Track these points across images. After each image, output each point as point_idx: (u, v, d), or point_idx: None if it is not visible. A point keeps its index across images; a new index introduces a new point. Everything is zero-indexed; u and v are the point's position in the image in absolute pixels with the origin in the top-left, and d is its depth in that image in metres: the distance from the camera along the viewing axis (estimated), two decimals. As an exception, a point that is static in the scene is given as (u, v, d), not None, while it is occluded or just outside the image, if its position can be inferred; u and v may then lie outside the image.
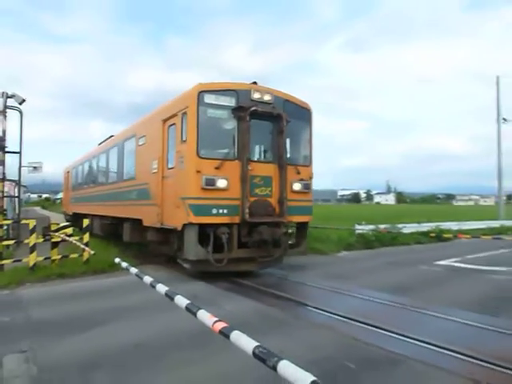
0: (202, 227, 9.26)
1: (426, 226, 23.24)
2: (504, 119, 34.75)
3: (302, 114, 11.07)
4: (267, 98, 10.08)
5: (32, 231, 11.04)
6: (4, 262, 11.12)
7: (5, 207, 17.87)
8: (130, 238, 13.52)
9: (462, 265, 13.40)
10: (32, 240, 10.96)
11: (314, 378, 2.43)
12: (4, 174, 17.27)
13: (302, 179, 10.68)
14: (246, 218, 9.41)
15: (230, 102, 9.70)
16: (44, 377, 4.63)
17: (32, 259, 10.85)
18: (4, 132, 16.98)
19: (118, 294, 8.72)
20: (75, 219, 23.29)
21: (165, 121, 10.95)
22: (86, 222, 12.53)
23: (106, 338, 5.95)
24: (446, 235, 20.15)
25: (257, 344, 3.00)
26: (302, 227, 11.23)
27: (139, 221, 12.31)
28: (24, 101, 17.35)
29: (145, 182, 12.07)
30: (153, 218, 11.13)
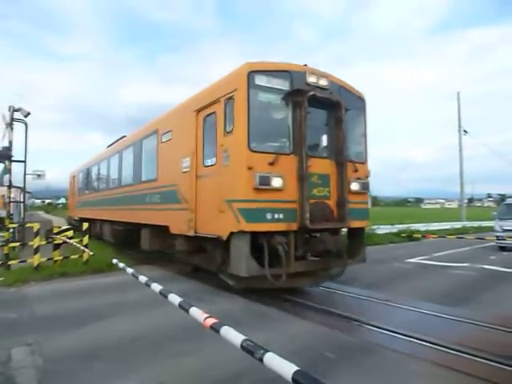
0: (254, 236, 7.13)
1: (398, 227, 23.46)
2: (465, 131, 35.34)
3: (356, 103, 8.86)
4: (323, 82, 8.01)
5: (36, 234, 10.93)
6: (11, 262, 11.02)
7: (11, 212, 17.70)
8: (150, 246, 11.56)
9: (430, 262, 13.57)
10: (36, 242, 10.84)
11: (297, 369, 2.46)
12: (11, 181, 17.14)
13: (359, 178, 8.49)
14: (306, 224, 7.23)
15: (284, 85, 7.61)
16: (49, 367, 4.60)
17: (36, 260, 10.74)
18: (11, 142, 16.87)
19: (115, 292, 8.63)
20: (82, 224, 21.41)
21: (199, 111, 8.75)
22: (85, 225, 12.42)
23: (104, 332, 5.90)
24: (415, 235, 20.36)
25: (244, 338, 3.01)
26: (358, 233, 8.86)
27: (161, 227, 10.39)
28: (29, 114, 17.25)
29: (171, 183, 9.86)
30: (183, 224, 8.96)
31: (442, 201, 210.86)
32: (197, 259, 9.55)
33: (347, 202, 7.94)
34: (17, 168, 18.47)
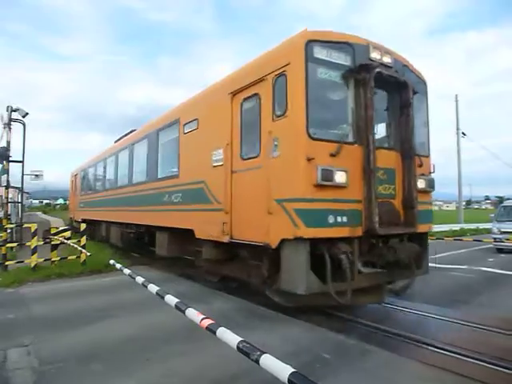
0: (311, 244, 5.79)
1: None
2: (463, 133, 35.38)
3: (419, 86, 7.48)
4: (387, 59, 6.77)
5: (34, 234, 10.91)
6: (8, 262, 11.01)
7: (9, 212, 17.68)
8: (168, 252, 10.16)
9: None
10: (33, 242, 10.82)
11: (293, 370, 2.45)
12: (8, 181, 17.12)
13: (423, 174, 7.24)
14: (374, 228, 6.01)
15: (345, 59, 6.33)
16: (45, 368, 4.58)
17: (33, 260, 10.72)
18: (8, 143, 16.85)
19: (112, 293, 8.59)
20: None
21: (235, 93, 7.40)
22: (82, 226, 12.41)
23: (101, 333, 5.88)
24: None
25: (241, 339, 3.01)
26: (422, 239, 7.43)
27: (182, 230, 9.09)
28: (27, 114, 17.27)
29: (198, 179, 8.48)
30: (213, 228, 7.66)
31: (440, 203, 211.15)
32: (232, 270, 8.09)
33: (416, 202, 6.73)
34: (15, 168, 18.49)
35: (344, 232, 5.93)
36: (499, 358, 5.06)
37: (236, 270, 7.88)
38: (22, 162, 18.03)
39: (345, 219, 5.94)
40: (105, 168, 17.06)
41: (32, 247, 10.80)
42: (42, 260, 11.06)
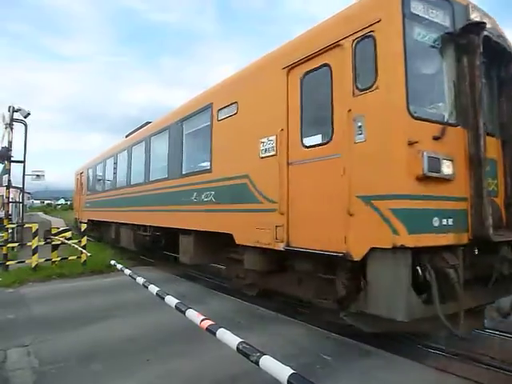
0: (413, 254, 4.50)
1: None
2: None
3: None
4: (487, 24, 5.21)
5: (34, 234, 10.92)
6: (9, 262, 11.04)
7: (10, 212, 17.71)
8: (194, 259, 8.78)
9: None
10: (34, 243, 10.83)
11: (292, 372, 2.45)
12: (9, 181, 17.15)
13: None
14: (487, 234, 4.70)
15: (444, 19, 5.01)
16: (45, 369, 4.57)
17: (34, 260, 10.73)
18: (10, 143, 16.88)
19: (113, 293, 8.58)
20: (91, 228, 18.16)
21: (293, 67, 6.01)
22: (83, 226, 12.44)
23: (102, 333, 5.87)
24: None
25: (240, 340, 3.00)
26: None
27: (214, 233, 7.85)
28: (29, 114, 17.30)
29: (239, 173, 7.11)
30: (263, 233, 6.32)
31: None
32: (283, 284, 6.80)
33: None
34: (16, 168, 18.53)
35: (449, 239, 4.65)
36: (500, 360, 5.05)
37: (289, 285, 6.58)
38: (23, 162, 18.06)
39: (450, 222, 4.68)
40: (115, 165, 15.44)
41: (33, 247, 10.81)
42: (42, 260, 11.08)
